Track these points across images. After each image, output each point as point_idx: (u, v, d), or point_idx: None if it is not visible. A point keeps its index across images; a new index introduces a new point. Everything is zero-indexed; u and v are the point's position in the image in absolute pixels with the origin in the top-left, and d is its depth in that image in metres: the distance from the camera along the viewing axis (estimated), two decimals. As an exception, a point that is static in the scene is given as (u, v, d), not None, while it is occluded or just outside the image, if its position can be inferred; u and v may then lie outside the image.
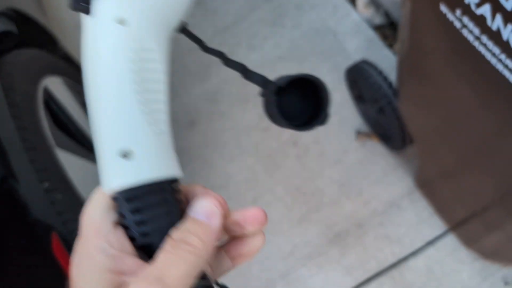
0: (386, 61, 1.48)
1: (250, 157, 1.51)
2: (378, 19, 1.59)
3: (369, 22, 1.60)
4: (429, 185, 1.32)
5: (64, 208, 0.73)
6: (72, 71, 1.13)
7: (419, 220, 1.37)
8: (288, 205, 1.44)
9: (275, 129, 1.53)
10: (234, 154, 1.54)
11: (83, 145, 1.06)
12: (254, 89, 1.43)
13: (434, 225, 1.35)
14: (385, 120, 1.28)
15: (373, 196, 1.41)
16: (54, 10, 1.84)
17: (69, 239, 0.72)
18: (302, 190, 1.46)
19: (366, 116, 1.45)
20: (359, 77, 1.32)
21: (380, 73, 1.24)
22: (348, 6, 1.65)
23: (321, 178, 1.46)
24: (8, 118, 0.75)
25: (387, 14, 1.58)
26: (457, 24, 0.67)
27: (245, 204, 1.45)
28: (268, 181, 1.48)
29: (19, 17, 0.90)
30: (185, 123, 1.60)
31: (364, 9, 1.60)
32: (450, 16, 0.68)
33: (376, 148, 1.46)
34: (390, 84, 1.21)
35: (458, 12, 0.66)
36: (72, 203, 0.77)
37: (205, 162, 1.54)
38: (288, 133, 1.51)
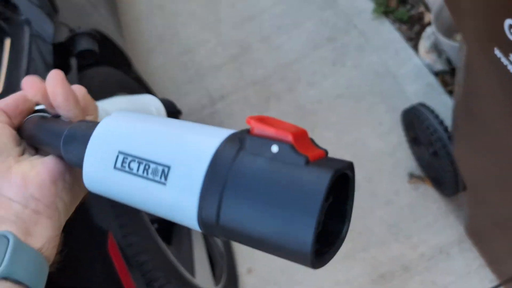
0: (444, 106, 1.48)
1: (300, 190, 1.54)
2: (440, 65, 1.60)
3: (430, 68, 1.61)
4: (480, 235, 1.29)
5: (121, 212, 0.78)
6: (140, 92, 1.22)
7: (468, 270, 1.33)
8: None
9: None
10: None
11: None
12: (308, 122, 1.47)
13: (484, 277, 1.31)
14: (439, 164, 1.28)
15: (422, 241, 1.39)
16: (131, 36, 1.98)
17: (122, 242, 0.77)
18: (350, 229, 1.45)
19: (420, 159, 1.44)
20: (416, 120, 1.33)
21: (436, 116, 1.25)
22: (410, 51, 1.67)
23: (370, 217, 1.45)
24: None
25: (448, 61, 1.58)
26: (511, 69, 0.68)
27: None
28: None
29: (101, 38, 0.99)
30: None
31: (426, 55, 1.62)
32: (504, 61, 0.69)
33: (428, 192, 1.44)
34: (445, 128, 1.22)
35: (512, 57, 0.67)
36: (129, 210, 0.82)
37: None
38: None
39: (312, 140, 0.31)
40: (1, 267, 0.31)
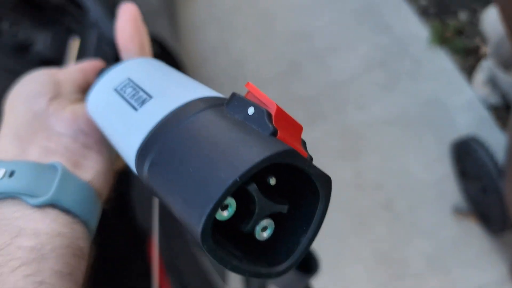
0: (495, 141, 1.44)
1: (339, 212, 1.52)
2: (493, 99, 1.56)
3: (484, 101, 1.58)
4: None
5: (164, 215, 0.80)
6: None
7: (509, 313, 1.28)
8: (369, 268, 1.42)
9: (370, 188, 1.53)
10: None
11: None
12: (354, 145, 1.46)
13: (524, 322, 1.26)
14: (487, 200, 1.24)
15: (461, 278, 1.35)
16: (187, 45, 2.03)
17: (163, 245, 0.78)
18: (387, 256, 1.43)
19: (467, 193, 1.41)
20: (465, 152, 1.30)
21: (487, 150, 1.22)
22: (463, 82, 1.64)
23: (409, 248, 1.42)
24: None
25: (503, 96, 1.54)
26: None
27: (325, 258, 1.45)
28: (353, 240, 1.48)
29: (157, 43, 1.02)
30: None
31: (480, 87, 1.58)
32: None
33: (472, 228, 1.40)
34: (495, 164, 1.18)
35: None
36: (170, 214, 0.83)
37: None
38: (383, 196, 1.51)
39: (303, 141, 0.27)
40: (49, 194, 0.31)
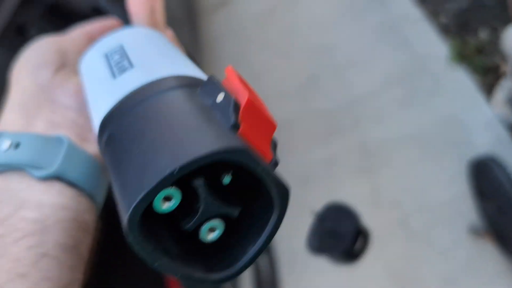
0: (514, 161, 1.44)
1: (354, 228, 1.53)
2: (513, 119, 1.55)
3: (503, 120, 1.57)
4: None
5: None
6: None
7: (524, 336, 1.27)
8: (382, 286, 1.42)
9: (385, 205, 1.54)
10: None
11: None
12: (371, 161, 1.46)
13: None
14: (503, 220, 1.24)
15: (476, 298, 1.34)
16: (207, 57, 2.05)
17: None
18: (402, 275, 1.43)
19: (483, 213, 1.40)
20: (482, 172, 1.30)
21: (504, 170, 1.22)
22: (482, 101, 1.64)
23: (424, 266, 1.42)
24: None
25: (523, 116, 1.54)
26: None
27: (337, 275, 1.45)
28: (367, 257, 1.47)
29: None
30: (299, 180, 1.67)
31: (499, 106, 1.58)
32: None
33: (488, 248, 1.39)
34: (514, 185, 1.18)
35: None
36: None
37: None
38: (398, 213, 1.51)
39: (273, 142, 0.24)
40: (54, 166, 0.30)
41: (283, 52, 2.01)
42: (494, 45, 1.74)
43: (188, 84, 0.26)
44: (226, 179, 0.23)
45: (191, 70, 0.29)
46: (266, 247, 0.23)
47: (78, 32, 0.40)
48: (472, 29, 1.82)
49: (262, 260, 1.14)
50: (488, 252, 1.39)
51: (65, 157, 0.31)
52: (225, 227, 0.23)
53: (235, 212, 0.23)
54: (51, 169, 0.30)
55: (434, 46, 1.82)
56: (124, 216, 0.20)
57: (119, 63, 0.30)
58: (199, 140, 0.21)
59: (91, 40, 0.39)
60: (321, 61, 1.92)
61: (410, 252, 1.45)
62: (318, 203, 1.65)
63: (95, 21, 0.41)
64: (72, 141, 0.32)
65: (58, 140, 0.32)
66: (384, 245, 1.48)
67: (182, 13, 1.56)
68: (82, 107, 0.35)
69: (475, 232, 1.41)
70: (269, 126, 0.23)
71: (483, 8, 1.84)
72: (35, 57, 0.36)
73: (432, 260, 1.42)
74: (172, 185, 0.21)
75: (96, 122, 0.28)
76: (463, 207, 1.47)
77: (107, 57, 0.32)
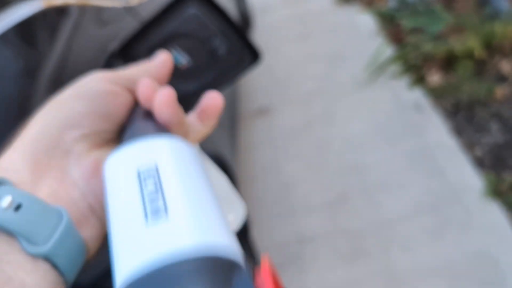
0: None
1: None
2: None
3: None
4: None
5: None
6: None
7: None
8: None
9: None
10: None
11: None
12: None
13: None
14: None
15: None
16: (241, 160, 2.08)
17: None
18: None
19: None
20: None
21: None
22: (517, 240, 1.57)
23: None
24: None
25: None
26: None
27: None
28: None
29: (219, 162, 1.06)
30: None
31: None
32: None
33: None
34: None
35: None
36: None
37: None
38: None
39: None
40: (48, 246, 0.28)
41: (315, 166, 2.03)
42: (530, 184, 1.71)
43: (221, 271, 0.24)
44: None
45: (224, 229, 0.27)
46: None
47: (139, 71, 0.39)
48: (508, 166, 1.80)
49: None
50: None
51: (61, 237, 0.29)
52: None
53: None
54: (44, 248, 0.28)
55: (468, 178, 1.81)
56: None
57: (154, 200, 0.27)
58: None
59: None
60: (352, 180, 1.92)
61: None
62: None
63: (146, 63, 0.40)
64: (71, 220, 0.31)
65: (58, 214, 0.30)
66: None
67: (226, 118, 1.61)
68: (87, 191, 0.33)
69: None
70: None
71: (520, 147, 1.84)
72: (73, 109, 0.34)
73: None
74: None
75: (117, 271, 0.26)
76: None
77: (140, 177, 0.29)
